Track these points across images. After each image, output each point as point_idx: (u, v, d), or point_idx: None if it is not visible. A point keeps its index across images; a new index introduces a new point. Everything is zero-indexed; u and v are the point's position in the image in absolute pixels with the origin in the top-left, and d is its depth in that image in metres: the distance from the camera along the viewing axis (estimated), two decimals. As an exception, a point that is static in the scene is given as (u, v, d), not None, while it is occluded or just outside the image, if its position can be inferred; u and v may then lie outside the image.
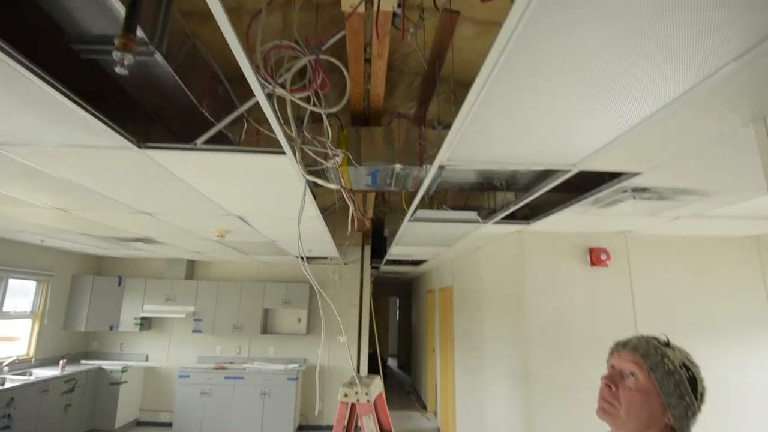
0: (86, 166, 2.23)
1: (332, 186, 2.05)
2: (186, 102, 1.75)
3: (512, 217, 3.18)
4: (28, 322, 5.82)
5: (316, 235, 4.19)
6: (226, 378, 6.17)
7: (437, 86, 2.30)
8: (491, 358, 4.38)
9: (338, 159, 2.04)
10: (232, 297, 6.73)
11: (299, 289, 6.77)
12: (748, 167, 1.89)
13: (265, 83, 1.56)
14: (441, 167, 2.09)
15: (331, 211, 4.43)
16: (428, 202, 3.51)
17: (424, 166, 2.29)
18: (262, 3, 1.57)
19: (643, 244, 3.68)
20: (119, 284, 6.71)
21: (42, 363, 5.84)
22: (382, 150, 2.32)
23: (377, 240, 6.37)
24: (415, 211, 3.07)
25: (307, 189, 2.31)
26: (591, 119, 1.46)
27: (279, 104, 1.69)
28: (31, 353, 5.77)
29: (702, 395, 0.97)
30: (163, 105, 1.79)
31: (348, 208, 2.51)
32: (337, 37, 1.68)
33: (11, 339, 5.63)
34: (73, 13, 1.25)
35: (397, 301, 13.38)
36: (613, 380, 1.01)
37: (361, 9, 1.47)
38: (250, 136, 2.17)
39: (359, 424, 2.37)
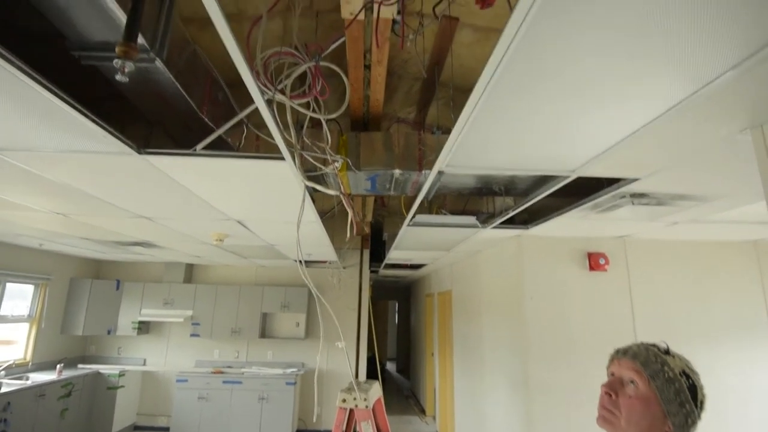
0: (86, 171, 2.23)
1: (331, 192, 2.05)
2: (186, 108, 1.75)
3: (511, 222, 3.18)
4: (26, 326, 5.80)
5: (315, 240, 4.19)
6: (224, 382, 6.15)
7: (437, 91, 2.31)
8: (490, 362, 4.38)
9: (337, 165, 2.04)
10: (231, 301, 6.71)
11: (298, 293, 6.76)
12: (745, 173, 1.90)
13: (265, 89, 1.57)
14: (440, 172, 2.09)
15: (330, 215, 4.43)
16: (427, 207, 3.51)
17: (423, 171, 2.29)
18: (262, 9, 1.58)
19: (642, 248, 3.69)
20: (117, 288, 6.69)
21: (39, 367, 5.81)
22: (382, 155, 2.32)
23: (376, 244, 6.37)
24: (414, 215, 3.07)
25: (307, 194, 2.31)
26: (589, 125, 1.47)
27: (279, 109, 1.69)
28: (28, 357, 5.74)
29: (702, 403, 0.97)
30: (163, 111, 1.80)
31: (347, 211, 2.51)
32: (337, 43, 1.69)
33: (8, 342, 5.60)
34: (74, 20, 1.25)
35: (396, 305, 13.36)
36: (613, 388, 1.01)
37: (361, 16, 1.48)
38: (250, 142, 2.18)
39: (358, 429, 2.36)
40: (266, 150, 2.06)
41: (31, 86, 1.36)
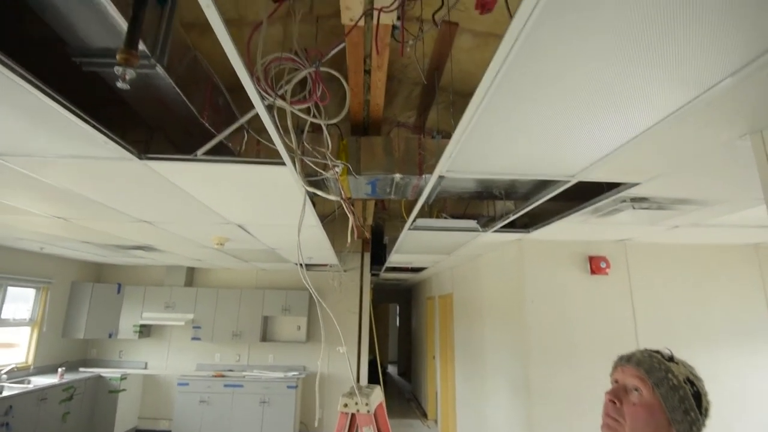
0: (87, 176, 2.23)
1: (332, 197, 2.06)
2: (187, 113, 1.76)
3: (512, 226, 3.18)
4: (27, 329, 5.80)
5: (316, 243, 4.19)
6: (225, 386, 6.14)
7: (437, 96, 2.32)
8: (491, 366, 4.37)
9: (338, 170, 2.04)
10: (232, 304, 6.71)
11: (299, 297, 6.76)
12: (746, 178, 1.90)
13: (266, 95, 1.57)
14: (440, 177, 2.10)
15: (331, 219, 4.44)
16: (428, 211, 3.51)
17: (423, 176, 2.30)
18: (263, 15, 1.58)
19: (643, 252, 3.68)
20: (118, 291, 6.69)
21: (40, 371, 5.81)
22: (382, 160, 2.33)
23: (377, 247, 6.37)
24: (414, 220, 3.07)
25: (307, 199, 2.32)
26: (590, 131, 1.47)
27: (279, 114, 1.70)
28: (30, 361, 5.74)
29: (707, 410, 0.96)
30: (164, 116, 1.80)
31: (348, 215, 2.51)
32: (337, 49, 1.69)
33: (10, 345, 5.61)
34: (75, 26, 1.26)
35: (397, 307, 13.34)
36: (617, 396, 1.00)
37: (361, 22, 1.49)
38: (251, 146, 2.18)
39: (359, 434, 2.36)
40: (267, 155, 2.07)
41: (32, 92, 1.36)
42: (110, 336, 6.49)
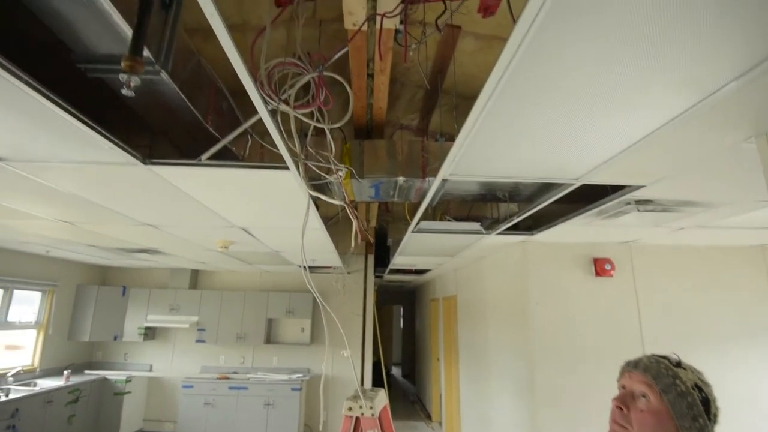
0: (92, 181, 2.25)
1: (336, 202, 2.06)
2: (191, 118, 1.76)
3: (515, 228, 3.17)
4: (33, 332, 5.84)
5: (320, 246, 4.19)
6: (229, 388, 6.15)
7: (439, 99, 2.32)
8: (496, 368, 4.35)
9: (341, 174, 2.05)
10: (236, 306, 6.73)
11: (303, 299, 6.76)
12: (751, 180, 1.89)
13: (269, 99, 1.58)
14: (444, 181, 2.10)
15: (335, 221, 4.44)
16: (431, 213, 3.51)
17: (426, 179, 2.30)
18: (266, 19, 1.59)
19: (648, 254, 3.66)
20: (123, 294, 6.72)
21: (46, 373, 5.84)
22: (385, 163, 2.33)
23: (380, 249, 6.37)
24: (418, 223, 3.07)
25: (311, 202, 2.32)
26: (594, 134, 1.46)
27: (282, 118, 1.70)
28: (36, 363, 5.78)
29: (716, 416, 0.95)
30: (168, 121, 1.81)
31: (351, 219, 2.52)
32: (340, 53, 1.70)
33: (16, 348, 5.65)
34: (80, 33, 1.27)
35: (401, 309, 13.33)
36: (624, 402, 0.99)
37: (364, 27, 1.49)
38: (255, 150, 2.19)
39: (363, 437, 2.36)
40: (271, 158, 2.07)
41: (37, 99, 1.37)
42: (115, 338, 6.52)
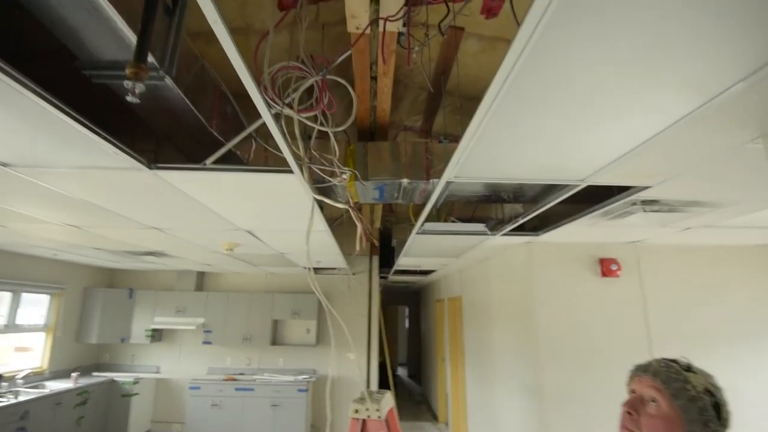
0: (98, 186, 2.26)
1: (340, 205, 2.06)
2: (195, 122, 1.77)
3: (521, 229, 3.16)
4: (42, 334, 5.89)
5: (325, 248, 4.20)
6: (236, 389, 6.17)
7: (443, 100, 2.31)
8: (502, 370, 4.34)
9: (345, 177, 2.05)
10: (242, 308, 6.75)
11: (308, 300, 6.77)
12: (759, 179, 1.87)
13: (273, 104, 1.58)
14: (448, 182, 2.09)
15: (339, 223, 4.44)
16: (436, 214, 3.51)
17: (431, 181, 2.29)
18: (269, 23, 1.59)
19: (655, 253, 3.63)
20: (130, 296, 6.77)
21: (55, 375, 5.89)
22: (389, 165, 2.33)
23: (385, 250, 6.37)
24: (422, 224, 3.06)
25: (315, 205, 2.32)
26: (601, 135, 1.46)
27: (286, 121, 1.71)
28: (45, 366, 5.83)
29: (727, 420, 0.93)
30: (173, 126, 1.82)
31: (356, 223, 2.52)
32: (344, 57, 1.70)
33: (25, 349, 5.70)
34: (84, 40, 1.27)
35: (406, 310, 13.32)
36: (634, 407, 0.98)
37: (367, 30, 1.49)
38: (259, 154, 2.20)
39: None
40: (275, 162, 2.08)
41: (45, 107, 1.39)
42: (122, 340, 6.56)
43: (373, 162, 2.33)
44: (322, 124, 1.82)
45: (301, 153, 1.83)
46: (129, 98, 1.20)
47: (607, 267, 3.49)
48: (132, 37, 1.22)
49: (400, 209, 4.64)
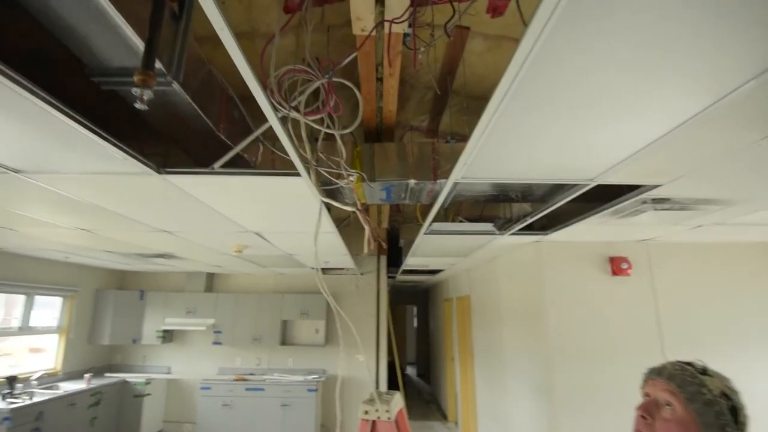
0: (108, 191, 2.29)
1: (348, 208, 2.06)
2: (203, 126, 1.78)
3: (529, 228, 3.14)
4: (55, 336, 5.97)
5: (332, 248, 4.21)
6: (246, 390, 6.21)
7: (449, 100, 2.31)
8: (512, 369, 4.32)
9: (352, 179, 2.05)
10: (251, 309, 6.79)
11: (317, 300, 6.79)
12: (772, 176, 1.84)
13: (280, 107, 1.58)
14: (455, 183, 2.08)
15: (347, 224, 4.45)
16: (443, 214, 3.49)
17: (438, 181, 2.29)
18: (275, 27, 1.60)
19: (666, 252, 3.59)
20: (141, 298, 6.84)
21: (69, 376, 5.97)
22: (396, 166, 2.33)
23: (393, 249, 6.37)
24: (430, 224, 3.06)
25: (323, 207, 2.33)
26: (609, 135, 1.44)
27: (293, 124, 1.71)
28: (59, 367, 5.91)
29: (744, 424, 0.91)
30: (181, 130, 1.83)
31: (363, 225, 2.52)
32: (349, 59, 1.70)
33: (38, 350, 5.79)
34: (93, 47, 1.28)
35: (415, 309, 13.31)
36: (648, 411, 0.96)
37: (373, 32, 1.49)
38: (267, 157, 2.20)
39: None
40: (282, 165, 2.08)
41: (55, 115, 1.40)
42: (134, 342, 6.64)
43: (380, 163, 2.33)
44: (328, 127, 1.82)
45: (308, 156, 1.84)
46: (137, 105, 1.21)
47: (617, 265, 3.46)
48: (139, 44, 1.23)
49: (407, 209, 4.63)
